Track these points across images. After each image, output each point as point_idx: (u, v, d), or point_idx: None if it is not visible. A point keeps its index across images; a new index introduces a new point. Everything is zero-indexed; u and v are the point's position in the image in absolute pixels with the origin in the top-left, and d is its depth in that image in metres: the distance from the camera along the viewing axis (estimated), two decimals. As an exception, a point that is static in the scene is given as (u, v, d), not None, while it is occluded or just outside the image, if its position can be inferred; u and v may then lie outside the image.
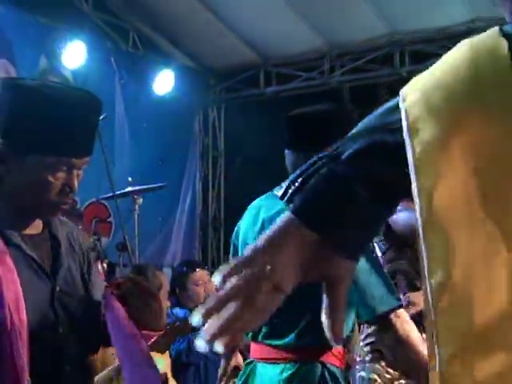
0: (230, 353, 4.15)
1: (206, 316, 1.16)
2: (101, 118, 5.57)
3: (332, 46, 8.59)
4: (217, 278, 1.18)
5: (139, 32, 8.80)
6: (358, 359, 3.79)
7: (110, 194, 6.04)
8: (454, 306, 1.17)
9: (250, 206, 3.35)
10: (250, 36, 8.61)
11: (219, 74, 9.51)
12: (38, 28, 7.75)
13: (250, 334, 3.13)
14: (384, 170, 1.35)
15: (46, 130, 2.54)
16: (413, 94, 1.22)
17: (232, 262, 1.21)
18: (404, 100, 1.22)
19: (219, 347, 1.14)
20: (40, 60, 7.73)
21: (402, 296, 3.66)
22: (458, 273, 1.16)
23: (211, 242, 9.58)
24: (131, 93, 8.73)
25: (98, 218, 7.93)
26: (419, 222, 1.19)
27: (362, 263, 2.83)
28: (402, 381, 3.78)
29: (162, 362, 4.96)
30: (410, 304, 3.69)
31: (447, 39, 7.68)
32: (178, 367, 5.36)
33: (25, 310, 2.44)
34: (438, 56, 1.37)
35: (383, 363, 3.88)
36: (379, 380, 3.90)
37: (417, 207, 1.20)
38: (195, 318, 1.16)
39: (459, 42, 1.31)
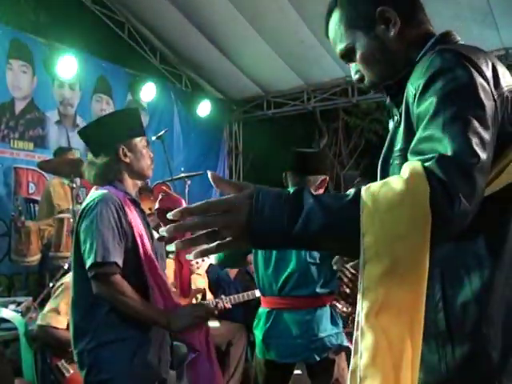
0: None
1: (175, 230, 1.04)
2: (164, 131, 5.90)
3: (308, 84, 8.49)
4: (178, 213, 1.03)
5: (189, 77, 8.78)
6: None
7: (169, 178, 6.26)
8: None
9: None
10: (257, 79, 8.54)
11: (238, 103, 9.40)
12: (127, 76, 7.80)
13: (274, 289, 2.94)
14: None
15: (136, 125, 2.64)
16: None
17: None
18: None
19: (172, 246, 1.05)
20: (127, 95, 7.83)
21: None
22: None
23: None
24: (184, 115, 8.65)
25: (163, 193, 7.93)
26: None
27: None
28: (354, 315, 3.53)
29: (203, 281, 5.00)
30: None
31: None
32: (213, 286, 5.21)
33: (148, 243, 2.48)
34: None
35: (341, 302, 3.71)
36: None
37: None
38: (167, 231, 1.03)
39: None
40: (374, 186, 1.07)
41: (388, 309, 1.05)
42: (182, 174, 6.44)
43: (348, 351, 3.11)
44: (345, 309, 3.58)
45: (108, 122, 2.72)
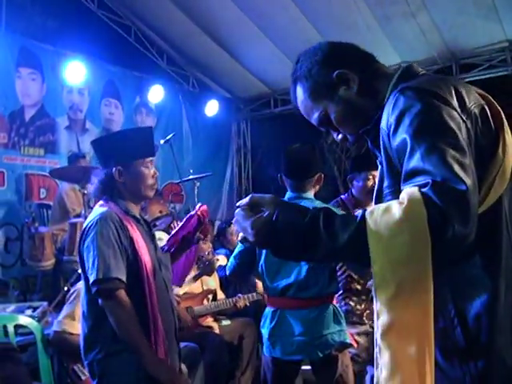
0: None
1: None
2: (171, 135, 5.97)
3: None
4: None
5: (196, 77, 8.81)
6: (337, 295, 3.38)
7: (179, 180, 6.36)
8: None
9: None
10: (263, 77, 8.54)
11: (246, 101, 9.40)
12: (134, 79, 7.86)
13: (279, 291, 3.03)
14: None
15: (139, 146, 2.70)
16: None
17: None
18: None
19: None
20: (135, 98, 7.88)
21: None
22: None
23: (244, 205, 9.39)
24: (192, 116, 8.70)
25: (173, 192, 7.85)
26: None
27: None
28: (368, 311, 3.56)
29: (213, 281, 5.03)
30: None
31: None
32: (223, 284, 5.29)
33: (149, 257, 2.57)
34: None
35: (354, 299, 3.64)
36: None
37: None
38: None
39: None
40: (377, 214, 1.16)
41: (398, 329, 1.15)
42: (191, 176, 6.50)
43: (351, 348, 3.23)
44: (358, 306, 3.63)
45: (112, 140, 2.85)
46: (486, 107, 1.35)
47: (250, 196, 1.30)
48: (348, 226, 1.18)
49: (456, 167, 1.15)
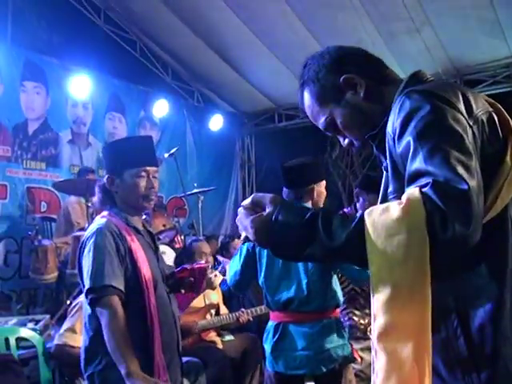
0: None
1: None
2: (175, 149, 6.00)
3: None
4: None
5: (201, 92, 8.89)
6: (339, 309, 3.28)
7: (183, 194, 6.37)
8: None
9: None
10: (268, 92, 8.59)
11: (250, 116, 9.45)
12: (139, 93, 7.91)
13: (281, 305, 3.03)
14: None
15: (132, 155, 2.64)
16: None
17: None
18: None
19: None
20: (140, 112, 7.93)
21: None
22: None
23: (247, 220, 9.38)
24: (196, 130, 8.73)
25: (177, 207, 7.93)
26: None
27: None
28: None
29: (215, 296, 4.97)
30: None
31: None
32: (226, 298, 5.23)
33: (150, 270, 2.54)
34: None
35: (357, 313, 3.63)
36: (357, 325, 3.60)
37: None
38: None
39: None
40: (375, 213, 1.15)
41: (394, 332, 1.12)
42: (195, 190, 6.52)
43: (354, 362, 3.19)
44: (362, 321, 3.62)
45: (108, 149, 2.88)
46: (494, 115, 1.33)
47: (252, 195, 1.33)
48: (346, 225, 1.17)
49: (459, 168, 1.14)
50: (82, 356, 2.52)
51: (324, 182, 3.24)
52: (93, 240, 2.49)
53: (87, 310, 2.52)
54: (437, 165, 1.15)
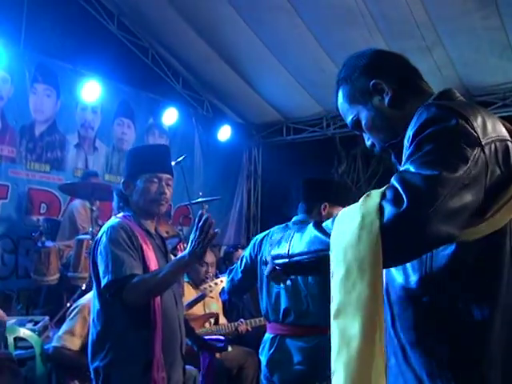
0: None
1: None
2: (182, 157, 6.03)
3: (327, 111, 8.45)
4: None
5: (211, 102, 8.90)
6: None
7: (188, 203, 6.40)
8: None
9: (269, 233, 3.12)
10: (277, 105, 8.63)
11: (258, 128, 9.47)
12: (148, 100, 7.92)
13: (279, 318, 3.03)
14: None
15: (147, 161, 2.76)
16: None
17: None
18: None
19: None
20: (149, 119, 7.95)
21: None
22: None
23: (252, 230, 9.45)
24: (204, 140, 8.77)
25: (183, 215, 8.00)
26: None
27: None
28: None
29: (216, 305, 5.03)
30: None
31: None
32: (226, 309, 5.27)
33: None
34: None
35: None
36: None
37: None
38: None
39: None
40: (349, 207, 1.25)
41: (344, 311, 1.18)
42: (200, 199, 6.53)
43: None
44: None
45: (128, 155, 2.97)
46: (510, 144, 1.31)
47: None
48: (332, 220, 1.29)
49: (439, 165, 1.16)
50: (89, 350, 2.58)
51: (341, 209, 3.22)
52: (108, 236, 2.56)
53: (96, 305, 2.57)
54: (420, 167, 1.18)
